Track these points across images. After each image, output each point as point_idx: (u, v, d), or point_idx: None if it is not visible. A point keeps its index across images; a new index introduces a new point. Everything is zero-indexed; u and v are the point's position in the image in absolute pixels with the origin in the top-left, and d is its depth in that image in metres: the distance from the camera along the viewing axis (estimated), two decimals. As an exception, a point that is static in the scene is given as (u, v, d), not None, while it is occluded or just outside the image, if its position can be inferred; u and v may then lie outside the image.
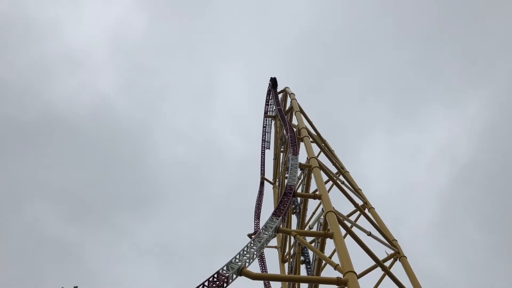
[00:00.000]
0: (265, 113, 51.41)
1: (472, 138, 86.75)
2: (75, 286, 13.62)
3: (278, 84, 50.30)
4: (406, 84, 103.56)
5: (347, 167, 37.41)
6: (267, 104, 51.31)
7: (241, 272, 19.73)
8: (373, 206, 32.79)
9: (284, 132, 39.06)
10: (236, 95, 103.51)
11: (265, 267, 37.90)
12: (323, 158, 35.10)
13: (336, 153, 40.46)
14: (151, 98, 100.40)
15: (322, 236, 24.29)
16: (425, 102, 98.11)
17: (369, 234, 29.41)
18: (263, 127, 51.69)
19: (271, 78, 50.80)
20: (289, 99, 44.89)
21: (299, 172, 30.82)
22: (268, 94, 51.06)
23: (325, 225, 24.25)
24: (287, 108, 45.00)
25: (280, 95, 48.58)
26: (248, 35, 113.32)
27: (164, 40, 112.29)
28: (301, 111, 40.20)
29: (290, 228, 32.02)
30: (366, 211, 32.18)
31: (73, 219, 68.87)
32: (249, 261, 20.77)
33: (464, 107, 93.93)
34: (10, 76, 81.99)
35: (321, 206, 26.81)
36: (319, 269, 25.93)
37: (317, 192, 27.53)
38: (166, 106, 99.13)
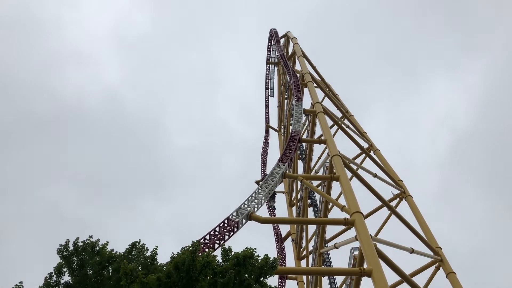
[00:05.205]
0: (267, 59, 50.49)
1: (472, 106, 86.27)
2: (90, 235, 14.10)
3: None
4: (406, 56, 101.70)
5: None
6: (269, 50, 50.25)
7: (250, 217, 20.31)
8: (378, 148, 32.99)
9: (288, 78, 38.60)
10: (241, 79, 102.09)
11: (273, 211, 38.80)
12: (327, 103, 34.92)
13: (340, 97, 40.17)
14: (160, 88, 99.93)
15: (328, 179, 24.70)
16: (425, 73, 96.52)
17: (375, 175, 29.86)
18: (266, 74, 50.96)
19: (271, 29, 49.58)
20: (291, 44, 43.95)
21: (303, 118, 30.82)
22: (270, 39, 49.91)
23: (331, 168, 24.57)
24: (289, 53, 44.14)
25: (282, 40, 47.48)
26: (250, 16, 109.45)
27: (168, 30, 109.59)
28: (304, 56, 39.47)
29: (297, 173, 32.51)
30: (372, 153, 32.44)
31: (91, 200, 70.98)
32: (258, 206, 21.31)
33: (464, 76, 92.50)
34: (23, 72, 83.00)
35: (327, 151, 27.03)
36: (326, 211, 26.56)
37: (322, 137, 27.67)
38: (175, 95, 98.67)
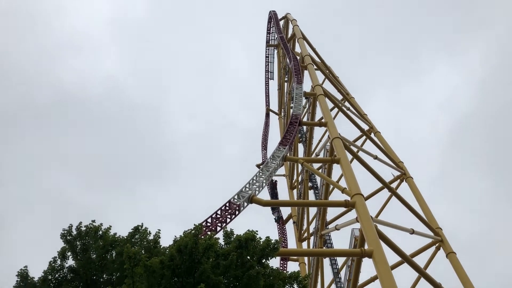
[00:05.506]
0: (267, 42, 50.00)
1: (472, 88, 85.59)
2: (93, 220, 14.20)
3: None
4: (406, 38, 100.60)
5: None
6: (268, 32, 49.75)
7: (251, 200, 20.40)
8: (379, 130, 32.96)
9: (287, 61, 38.33)
10: (241, 63, 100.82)
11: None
12: (328, 85, 34.75)
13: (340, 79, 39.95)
14: (160, 74, 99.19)
15: (329, 162, 24.75)
16: (426, 55, 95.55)
17: (376, 157, 29.90)
18: (266, 57, 50.54)
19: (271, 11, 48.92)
20: (291, 26, 43.52)
21: (304, 101, 30.72)
22: (269, 22, 49.39)
23: (331, 151, 24.59)
24: (289, 35, 43.71)
25: (281, 22, 46.96)
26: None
27: (167, 16, 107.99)
28: (304, 38, 39.12)
29: (297, 156, 32.56)
30: (372, 135, 32.43)
31: (93, 185, 71.45)
32: (259, 189, 21.39)
33: (464, 57, 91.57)
34: (23, 60, 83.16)
35: (327, 133, 27.02)
36: (327, 193, 26.69)
37: (322, 120, 27.62)
38: (175, 80, 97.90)
